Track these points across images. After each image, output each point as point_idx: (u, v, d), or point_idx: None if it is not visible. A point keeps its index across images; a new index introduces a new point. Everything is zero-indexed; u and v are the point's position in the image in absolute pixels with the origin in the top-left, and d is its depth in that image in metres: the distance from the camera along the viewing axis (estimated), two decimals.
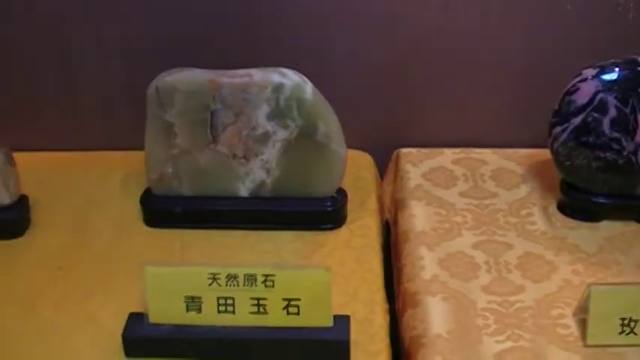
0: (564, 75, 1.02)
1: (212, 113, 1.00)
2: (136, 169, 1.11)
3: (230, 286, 0.83)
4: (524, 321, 0.89)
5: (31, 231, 1.05)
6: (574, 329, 0.87)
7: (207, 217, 1.04)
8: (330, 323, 0.84)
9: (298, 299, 0.83)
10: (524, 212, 1.07)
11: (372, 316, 0.91)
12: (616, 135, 1.00)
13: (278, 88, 0.98)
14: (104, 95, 1.21)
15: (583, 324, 0.86)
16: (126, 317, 0.86)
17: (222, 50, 1.15)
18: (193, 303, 0.84)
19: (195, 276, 0.83)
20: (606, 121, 0.99)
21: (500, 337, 0.86)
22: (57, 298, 0.94)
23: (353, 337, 0.84)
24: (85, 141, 1.22)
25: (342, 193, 1.06)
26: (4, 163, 1.02)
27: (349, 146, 1.04)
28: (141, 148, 1.05)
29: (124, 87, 1.20)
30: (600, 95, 0.99)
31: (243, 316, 0.84)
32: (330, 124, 1.01)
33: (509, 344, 0.86)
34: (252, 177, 1.03)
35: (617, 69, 0.99)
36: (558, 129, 1.02)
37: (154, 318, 0.85)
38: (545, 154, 1.08)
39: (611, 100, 0.99)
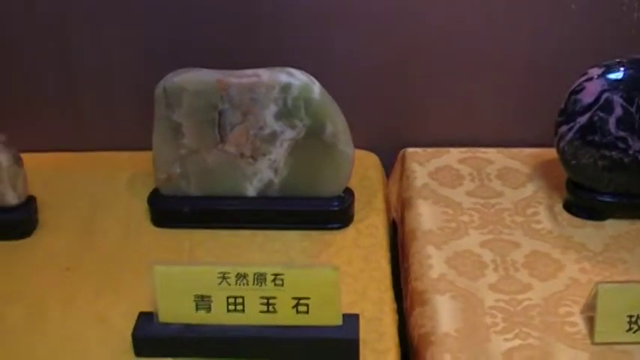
0: (569, 74, 1.02)
1: (220, 113, 1.00)
2: (143, 170, 1.11)
3: (240, 285, 0.83)
4: (531, 319, 0.89)
5: (39, 231, 1.05)
6: (582, 327, 0.88)
7: (215, 216, 1.04)
8: (339, 322, 0.84)
9: (308, 298, 0.83)
10: (530, 211, 1.07)
11: (380, 315, 0.91)
12: (622, 134, 1.00)
13: (286, 88, 0.99)
14: (104, 95, 1.21)
15: (590, 322, 0.86)
16: (135, 317, 0.87)
17: (223, 50, 1.15)
18: (203, 302, 0.84)
19: (204, 275, 0.84)
20: (612, 120, 1.00)
21: (509, 335, 0.87)
22: (65, 298, 0.94)
23: (362, 335, 0.85)
24: (86, 141, 1.22)
25: (349, 193, 1.06)
26: (12, 164, 1.02)
27: (355, 146, 1.04)
28: (142, 147, 1.05)
29: (124, 87, 1.20)
30: (606, 94, 0.99)
31: (253, 315, 0.84)
32: (337, 124, 1.01)
33: (517, 342, 0.86)
34: (259, 177, 1.04)
35: (622, 68, 1.00)
36: (564, 128, 1.02)
37: (163, 317, 0.85)
38: (550, 153, 1.08)
39: (617, 99, 0.99)
